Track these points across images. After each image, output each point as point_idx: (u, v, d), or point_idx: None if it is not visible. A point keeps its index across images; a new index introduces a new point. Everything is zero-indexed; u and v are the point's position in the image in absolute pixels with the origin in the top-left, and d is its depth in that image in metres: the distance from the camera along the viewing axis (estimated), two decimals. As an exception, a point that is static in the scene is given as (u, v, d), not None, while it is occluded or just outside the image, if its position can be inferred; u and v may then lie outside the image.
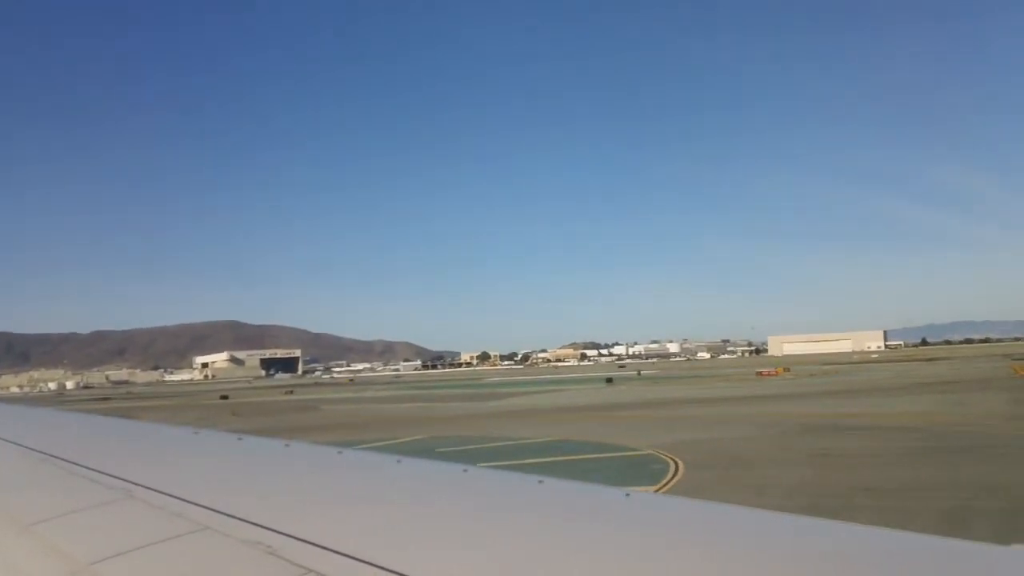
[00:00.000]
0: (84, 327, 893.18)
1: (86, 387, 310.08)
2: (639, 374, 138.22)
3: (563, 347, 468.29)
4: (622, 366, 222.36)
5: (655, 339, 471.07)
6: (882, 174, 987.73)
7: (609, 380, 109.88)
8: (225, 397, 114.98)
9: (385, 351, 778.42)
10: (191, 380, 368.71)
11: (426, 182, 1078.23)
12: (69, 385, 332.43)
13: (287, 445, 4.75)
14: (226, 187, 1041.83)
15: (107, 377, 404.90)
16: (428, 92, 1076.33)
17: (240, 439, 5.26)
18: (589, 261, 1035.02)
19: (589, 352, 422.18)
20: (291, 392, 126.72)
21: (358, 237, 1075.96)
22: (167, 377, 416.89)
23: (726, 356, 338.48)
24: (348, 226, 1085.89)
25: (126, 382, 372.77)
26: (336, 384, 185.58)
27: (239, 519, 3.01)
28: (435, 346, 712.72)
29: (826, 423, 38.91)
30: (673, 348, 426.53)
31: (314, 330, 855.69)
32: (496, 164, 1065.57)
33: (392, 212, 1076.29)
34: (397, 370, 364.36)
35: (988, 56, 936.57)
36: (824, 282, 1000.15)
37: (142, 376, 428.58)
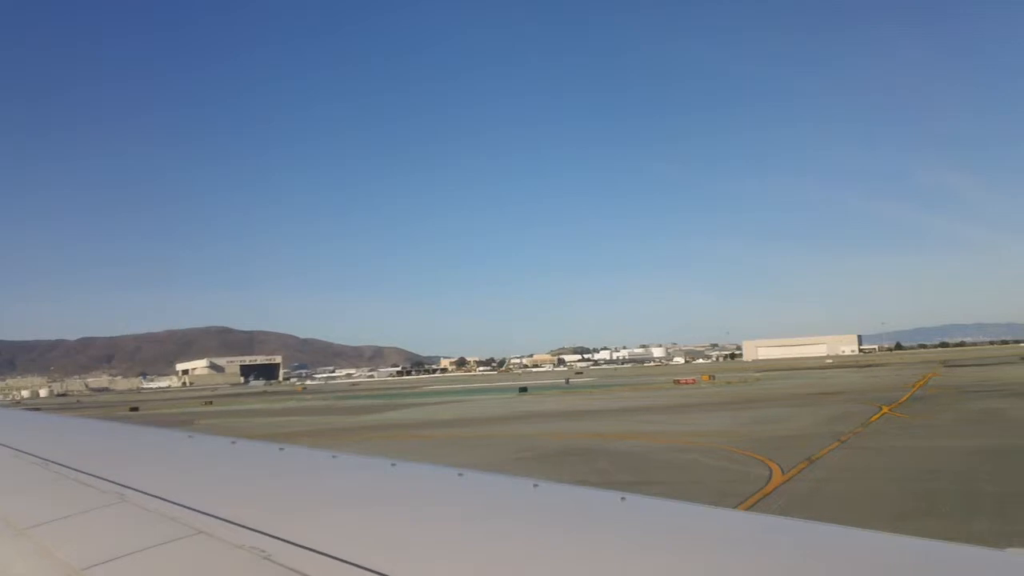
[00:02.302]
0: (71, 334, 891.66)
1: (60, 395, 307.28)
2: (567, 382, 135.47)
3: (552, 352, 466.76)
4: (579, 372, 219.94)
5: (644, 343, 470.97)
6: (875, 177, 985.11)
7: (523, 390, 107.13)
8: (135, 408, 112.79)
9: (374, 356, 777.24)
10: (167, 387, 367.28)
11: (419, 186, 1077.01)
12: (43, 393, 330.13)
13: (281, 449, 4.80)
14: (214, 193, 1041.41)
15: (86, 385, 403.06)
16: (418, 97, 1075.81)
17: (234, 443, 5.24)
18: (583, 265, 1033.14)
19: (569, 357, 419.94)
20: (210, 403, 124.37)
21: (348, 242, 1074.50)
22: (145, 384, 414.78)
23: (701, 361, 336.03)
24: (338, 231, 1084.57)
25: (106, 389, 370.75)
26: (280, 392, 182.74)
27: (233, 523, 3.01)
28: (426, 351, 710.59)
29: (590, 445, 36.30)
30: (658, 353, 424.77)
31: (303, 335, 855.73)
32: (492, 168, 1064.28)
33: (383, 216, 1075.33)
34: (372, 376, 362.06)
35: (977, 58, 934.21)
36: (818, 286, 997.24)
37: (122, 383, 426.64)
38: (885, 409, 47.87)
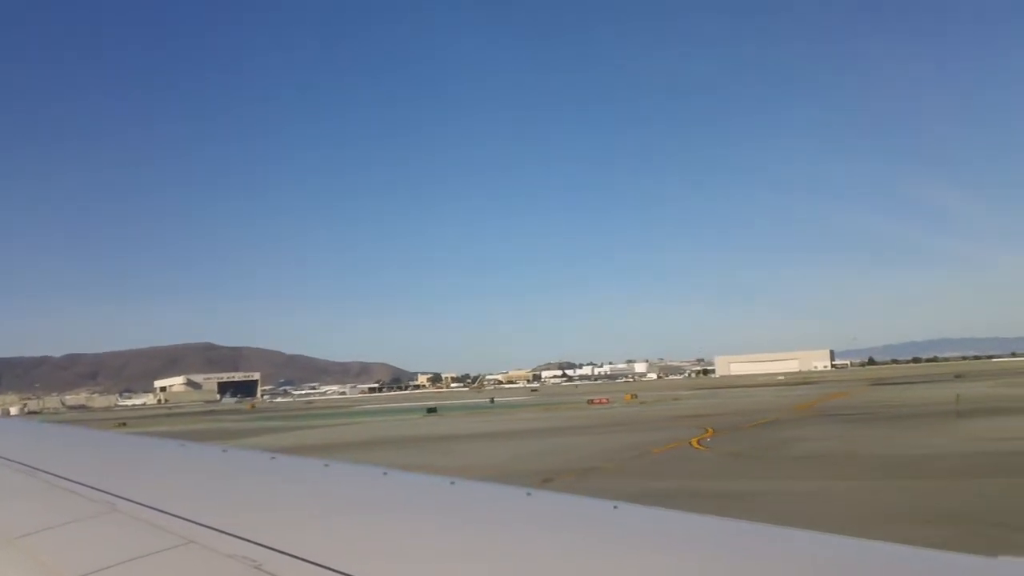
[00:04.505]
0: (57, 350, 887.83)
1: (31, 413, 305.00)
2: (492, 401, 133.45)
3: (537, 367, 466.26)
4: (534, 390, 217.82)
5: (630, 358, 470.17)
6: (867, 191, 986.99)
7: (431, 410, 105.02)
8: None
9: (361, 372, 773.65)
10: (143, 405, 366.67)
11: (408, 201, 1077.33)
12: (13, 411, 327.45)
13: (273, 457, 4.79)
14: (199, 208, 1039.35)
15: (62, 402, 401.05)
16: (403, 109, 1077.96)
17: (225, 451, 5.26)
18: (578, 280, 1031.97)
19: (548, 373, 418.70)
20: (124, 424, 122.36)
21: (336, 258, 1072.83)
22: (121, 402, 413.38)
23: (675, 377, 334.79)
24: (325, 247, 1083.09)
25: (83, 407, 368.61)
26: (229, 412, 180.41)
27: (224, 533, 3.01)
28: (413, 367, 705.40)
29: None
30: (640, 368, 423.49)
31: (289, 351, 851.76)
32: (483, 179, 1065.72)
33: (371, 231, 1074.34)
34: (343, 393, 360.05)
35: (967, 71, 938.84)
36: (809, 300, 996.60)
37: (99, 400, 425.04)
38: (695, 440, 46.11)
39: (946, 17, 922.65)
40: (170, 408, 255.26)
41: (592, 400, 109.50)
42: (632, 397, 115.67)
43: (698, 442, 44.23)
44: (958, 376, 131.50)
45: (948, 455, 33.81)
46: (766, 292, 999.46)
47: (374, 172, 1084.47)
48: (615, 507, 2.93)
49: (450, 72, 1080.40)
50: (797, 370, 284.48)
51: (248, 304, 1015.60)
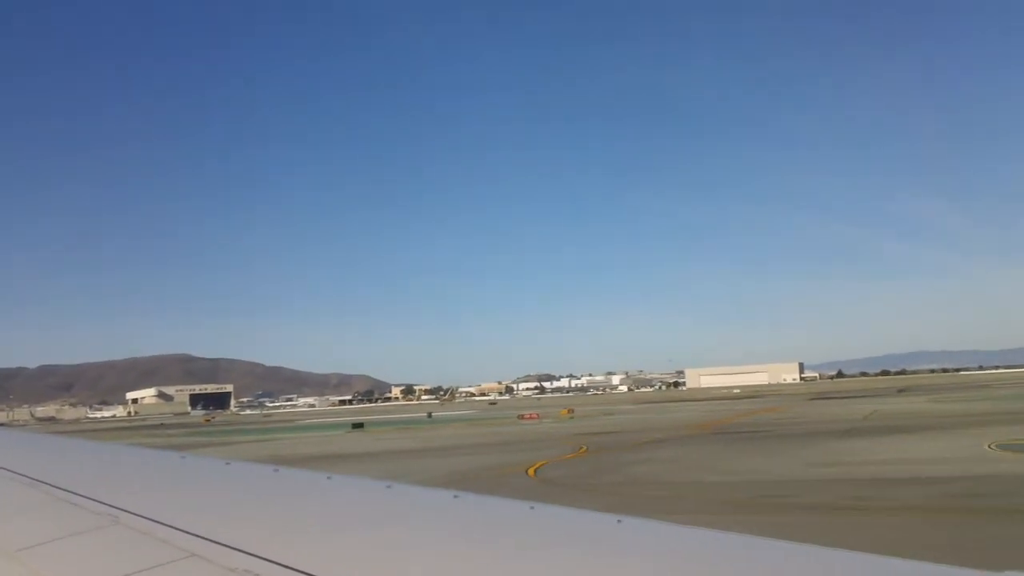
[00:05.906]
0: (32, 361, 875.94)
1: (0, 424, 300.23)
2: (430, 416, 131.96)
3: (517, 379, 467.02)
4: (493, 403, 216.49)
5: (610, 370, 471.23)
6: (847, 205, 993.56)
7: (358, 426, 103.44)
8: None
9: (340, 384, 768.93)
10: (113, 417, 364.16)
11: (393, 212, 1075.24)
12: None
13: (276, 471, 4.80)
14: (179, 218, 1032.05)
15: (32, 413, 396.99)
16: (390, 117, 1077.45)
17: (228, 464, 5.27)
18: (559, 291, 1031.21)
19: (525, 385, 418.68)
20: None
21: (317, 269, 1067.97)
22: (92, 413, 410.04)
23: (644, 389, 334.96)
24: (307, 257, 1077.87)
25: (52, 419, 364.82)
26: (184, 425, 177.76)
27: (227, 546, 3.01)
28: (394, 379, 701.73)
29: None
30: (616, 380, 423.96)
31: (268, 363, 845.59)
32: (472, 190, 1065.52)
33: (355, 241, 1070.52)
34: (312, 406, 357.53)
35: (950, 85, 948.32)
36: (794, 312, 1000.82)
37: (69, 412, 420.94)
38: (543, 462, 45.83)
39: (934, 24, 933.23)
40: (131, 421, 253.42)
41: (522, 416, 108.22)
42: (568, 412, 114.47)
43: (535, 470, 43.25)
44: (901, 391, 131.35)
45: (758, 483, 32.99)
46: (747, 305, 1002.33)
47: (365, 183, 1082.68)
48: (619, 520, 2.92)
49: (444, 81, 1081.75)
50: (766, 383, 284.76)
51: (228, 315, 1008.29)
